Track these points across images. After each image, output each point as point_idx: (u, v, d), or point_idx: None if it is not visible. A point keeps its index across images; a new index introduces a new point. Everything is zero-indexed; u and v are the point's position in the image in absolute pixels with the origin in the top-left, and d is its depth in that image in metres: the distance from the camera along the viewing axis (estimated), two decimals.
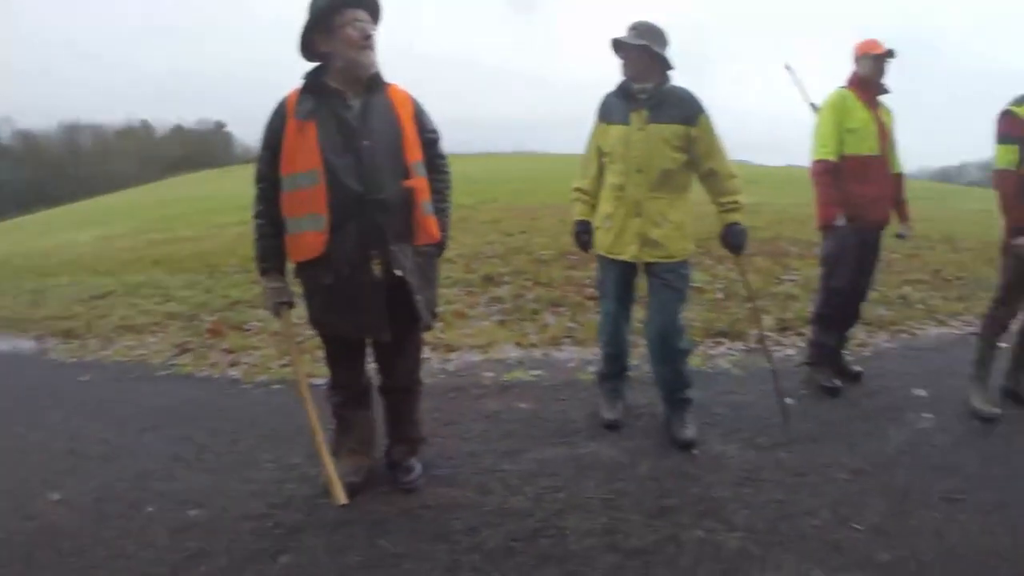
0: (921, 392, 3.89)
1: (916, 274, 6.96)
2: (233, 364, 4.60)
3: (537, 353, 4.47)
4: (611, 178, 3.22)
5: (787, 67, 4.12)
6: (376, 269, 2.51)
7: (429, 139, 2.72)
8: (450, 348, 4.61)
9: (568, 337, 4.77)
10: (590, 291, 5.77)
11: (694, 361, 4.00)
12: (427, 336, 4.68)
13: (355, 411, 2.93)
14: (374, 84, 2.56)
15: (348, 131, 2.49)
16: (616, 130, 3.16)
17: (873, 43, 3.70)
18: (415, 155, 2.61)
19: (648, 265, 3.16)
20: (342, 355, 2.83)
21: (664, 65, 3.11)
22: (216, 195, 18.95)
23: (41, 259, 11.14)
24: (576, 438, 3.26)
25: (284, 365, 4.48)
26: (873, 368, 4.26)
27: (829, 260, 3.80)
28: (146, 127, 69.91)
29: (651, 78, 3.10)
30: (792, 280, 6.46)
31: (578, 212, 3.43)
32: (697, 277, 5.68)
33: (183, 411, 3.81)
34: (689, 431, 3.24)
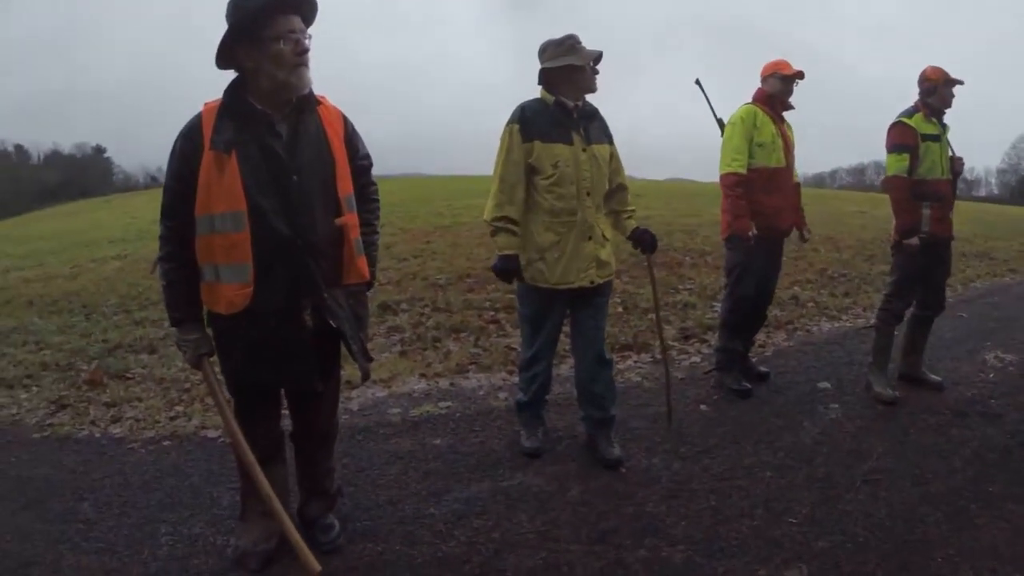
0: (826, 384, 4.07)
1: (804, 275, 7.35)
2: (115, 419, 3.99)
3: (444, 383, 4.28)
4: (553, 202, 3.00)
5: (697, 82, 4.20)
6: (308, 320, 2.23)
7: (361, 166, 2.44)
8: (350, 384, 4.21)
9: (473, 364, 4.62)
10: (491, 314, 5.70)
11: None
12: None
13: (271, 468, 2.45)
14: (305, 104, 2.21)
15: (276, 164, 2.15)
16: (562, 150, 2.99)
17: (783, 64, 3.89)
18: (347, 187, 2.30)
19: (590, 287, 3.07)
20: (257, 405, 2.44)
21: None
22: (95, 227, 17.24)
23: None
24: (499, 470, 3.10)
25: (173, 417, 4.01)
26: (777, 367, 4.40)
27: (735, 269, 3.90)
28: (20, 152, 66.64)
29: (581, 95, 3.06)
30: (688, 289, 6.64)
31: (505, 245, 3.02)
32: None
33: (65, 481, 3.24)
34: (616, 449, 3.19)
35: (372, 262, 2.49)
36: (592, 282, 3.04)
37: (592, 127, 3.06)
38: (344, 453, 3.30)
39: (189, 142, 2.13)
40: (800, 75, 3.86)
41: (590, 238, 3.02)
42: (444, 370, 4.48)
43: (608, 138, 3.14)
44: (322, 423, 2.58)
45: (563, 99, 2.99)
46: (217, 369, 2.37)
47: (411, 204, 15.22)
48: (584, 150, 3.00)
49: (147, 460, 3.47)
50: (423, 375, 4.42)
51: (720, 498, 2.80)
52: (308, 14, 2.16)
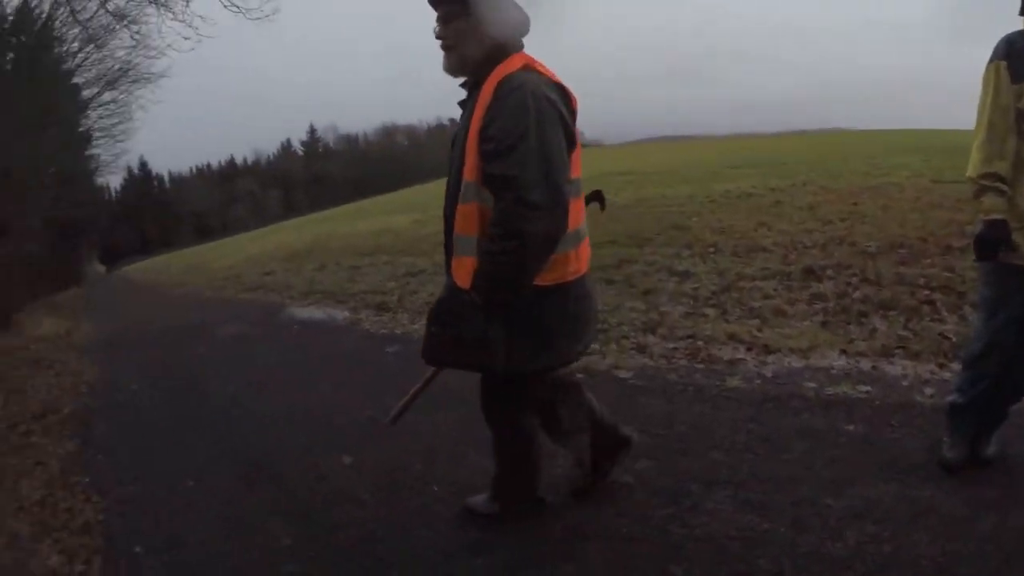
0: None
1: None
2: None
3: (865, 364, 3.94)
4: None
5: None
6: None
7: (483, 151, 2.07)
8: (768, 349, 4.25)
9: (900, 348, 4.11)
10: (925, 293, 4.99)
11: None
12: (743, 334, 4.52)
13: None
14: (477, 78, 2.18)
15: (454, 137, 2.30)
16: None
17: None
18: (468, 173, 2.11)
19: None
20: None
21: None
22: None
23: (359, 240, 12.68)
24: (911, 477, 2.73)
25: (588, 354, 4.50)
26: None
27: None
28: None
29: None
30: None
31: (993, 207, 2.43)
32: None
33: (470, 393, 3.85)
34: (991, 448, 2.67)
35: (480, 275, 2.09)
36: None
37: None
38: (750, 418, 3.33)
39: None
40: None
41: None
42: (867, 349, 4.11)
43: None
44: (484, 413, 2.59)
45: None
46: None
47: (831, 161, 13.95)
48: None
49: None
50: (844, 351, 4.13)
51: None
52: (435, 5, 2.19)
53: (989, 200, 2.45)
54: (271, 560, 2.76)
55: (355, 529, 2.86)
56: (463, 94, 2.30)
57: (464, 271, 2.15)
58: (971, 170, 2.49)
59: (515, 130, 2.00)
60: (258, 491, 3.38)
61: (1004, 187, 2.43)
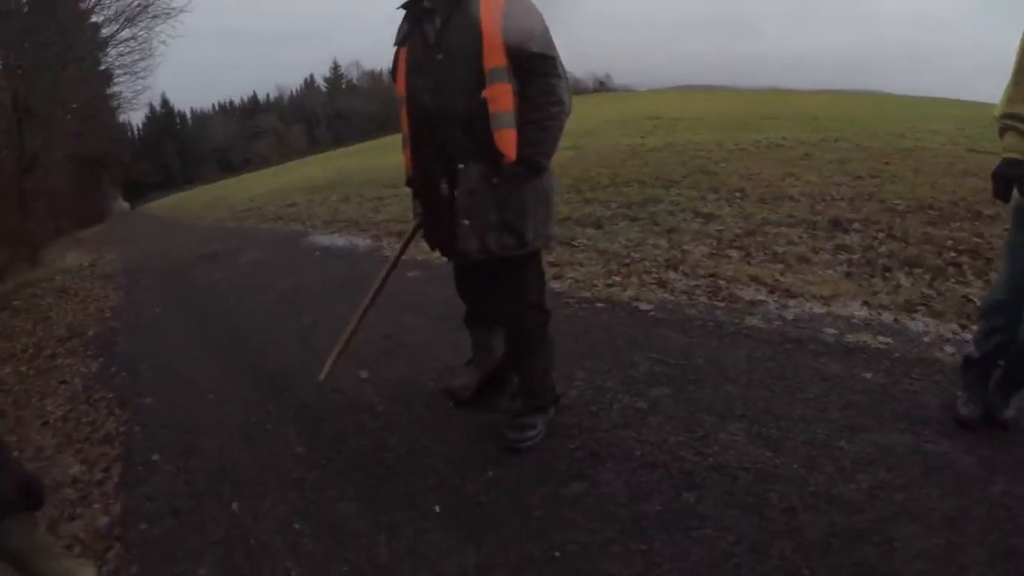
0: None
1: None
2: (556, 277, 4.72)
3: (887, 317, 3.88)
4: None
5: None
6: (443, 188, 2.48)
7: (518, 40, 2.35)
8: (790, 294, 4.19)
9: (923, 305, 4.04)
10: (952, 255, 4.86)
11: None
12: (766, 277, 4.47)
13: (473, 330, 3.02)
14: None
15: (427, 47, 2.44)
16: None
17: None
18: (494, 60, 2.34)
19: None
20: (458, 275, 2.93)
21: None
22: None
23: (381, 174, 12.66)
24: (926, 429, 2.71)
25: (609, 285, 4.51)
26: None
27: None
28: None
29: None
30: None
31: (1010, 146, 2.44)
32: None
33: None
34: (1009, 412, 2.64)
35: (531, 142, 2.38)
36: None
37: None
38: (769, 358, 3.31)
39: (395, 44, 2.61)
40: None
41: None
42: (890, 303, 4.04)
43: None
44: (509, 318, 2.69)
45: None
46: None
47: (869, 120, 13.69)
48: None
49: (579, 315, 3.96)
50: (866, 303, 4.06)
51: None
52: None
53: (1008, 139, 2.45)
54: (282, 467, 2.83)
55: (367, 438, 2.91)
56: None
57: (509, 142, 2.37)
58: (997, 110, 2.48)
59: (540, 22, 2.39)
60: (274, 403, 3.44)
61: (1022, 126, 2.40)
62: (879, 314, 3.94)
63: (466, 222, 2.43)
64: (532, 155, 2.38)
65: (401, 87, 2.55)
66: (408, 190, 2.86)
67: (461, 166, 2.42)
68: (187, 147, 73.73)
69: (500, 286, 2.64)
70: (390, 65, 2.69)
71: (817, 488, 2.36)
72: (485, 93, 2.35)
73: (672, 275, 4.71)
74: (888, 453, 2.56)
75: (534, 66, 2.37)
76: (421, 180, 2.63)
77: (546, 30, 2.40)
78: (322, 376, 2.78)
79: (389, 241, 7.29)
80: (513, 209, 2.44)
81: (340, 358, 2.83)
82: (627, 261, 4.98)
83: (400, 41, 2.57)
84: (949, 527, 2.20)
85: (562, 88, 2.40)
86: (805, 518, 2.23)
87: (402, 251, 2.98)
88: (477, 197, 2.42)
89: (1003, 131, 2.48)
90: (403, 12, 2.58)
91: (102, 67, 19.83)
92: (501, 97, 2.36)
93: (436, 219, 2.61)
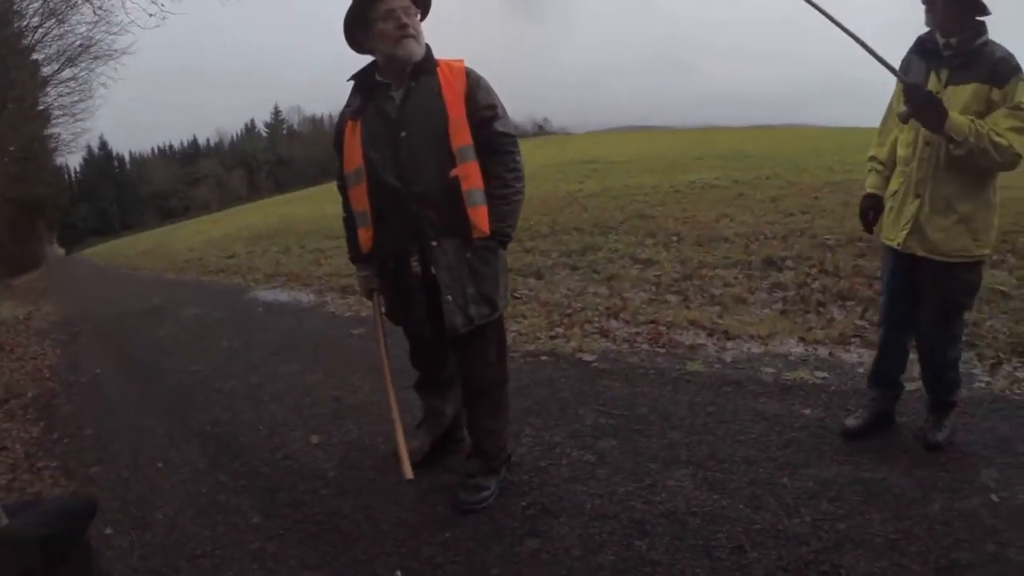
0: None
1: None
2: None
3: (822, 351, 4.02)
4: (899, 149, 2.76)
5: None
6: (414, 266, 2.49)
7: (484, 117, 2.46)
8: (728, 335, 4.31)
9: (857, 336, 4.19)
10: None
11: (999, 384, 3.35)
12: (704, 320, 4.60)
13: (426, 396, 3.01)
14: (420, 70, 2.46)
15: (387, 124, 2.45)
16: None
17: None
18: (462, 139, 2.43)
19: (920, 260, 2.70)
20: (414, 347, 2.88)
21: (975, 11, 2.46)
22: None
23: (323, 223, 12.64)
24: (863, 458, 2.80)
25: (552, 336, 4.57)
26: None
27: None
28: None
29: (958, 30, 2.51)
30: None
31: (868, 184, 2.93)
32: (1002, 279, 4.72)
33: None
34: (941, 434, 2.79)
35: (500, 216, 2.49)
36: (901, 245, 2.70)
37: (969, 68, 2.48)
38: (709, 402, 3.39)
39: (340, 118, 2.61)
40: None
41: (918, 197, 2.63)
42: (825, 338, 4.19)
43: (990, 78, 2.43)
44: (475, 380, 2.70)
45: (930, 34, 2.62)
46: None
47: (799, 156, 14.26)
48: (938, 93, 2.47)
49: (524, 370, 3.99)
50: (802, 339, 4.19)
51: None
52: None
53: (868, 178, 2.95)
54: (239, 538, 2.75)
55: (322, 506, 2.86)
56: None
57: (483, 218, 2.46)
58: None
59: (499, 102, 2.50)
60: (225, 470, 3.36)
61: (880, 167, 2.90)
62: (815, 349, 4.07)
63: (449, 298, 2.47)
64: (503, 229, 2.51)
65: (356, 159, 2.52)
66: (355, 266, 2.84)
67: (434, 243, 2.46)
68: (125, 192, 72.76)
69: (467, 352, 2.66)
70: (333, 134, 2.71)
71: (763, 525, 2.41)
72: (456, 171, 2.43)
73: (614, 323, 4.82)
74: (829, 485, 2.64)
75: (501, 145, 2.51)
76: (386, 257, 2.60)
77: (504, 108, 2.54)
78: (409, 476, 2.54)
79: (332, 296, 7.22)
80: (488, 281, 2.53)
81: (405, 447, 2.63)
82: (568, 311, 5.07)
83: (353, 114, 2.55)
84: (892, 549, 2.27)
85: (522, 163, 2.57)
86: (753, 555, 2.28)
87: (382, 328, 2.86)
88: (455, 272, 2.48)
89: (868, 172, 2.97)
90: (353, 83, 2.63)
91: (40, 107, 19.35)
92: (472, 175, 2.46)
93: (405, 297, 2.60)
